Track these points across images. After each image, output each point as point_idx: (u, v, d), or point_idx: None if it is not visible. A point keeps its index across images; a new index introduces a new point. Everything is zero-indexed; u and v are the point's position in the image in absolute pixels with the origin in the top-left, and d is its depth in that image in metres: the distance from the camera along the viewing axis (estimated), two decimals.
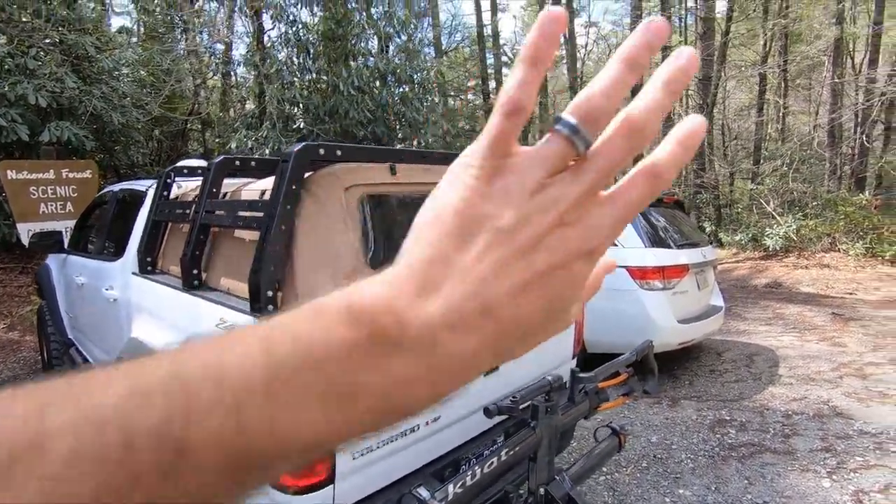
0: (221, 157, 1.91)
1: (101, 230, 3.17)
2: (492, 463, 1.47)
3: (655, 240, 4.02)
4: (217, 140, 10.09)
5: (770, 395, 3.70)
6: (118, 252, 2.68)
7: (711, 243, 8.23)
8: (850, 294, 7.55)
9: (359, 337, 0.23)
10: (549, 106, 23.52)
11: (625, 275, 3.83)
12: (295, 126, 6.80)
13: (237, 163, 1.94)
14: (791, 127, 18.02)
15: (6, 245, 6.50)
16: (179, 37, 8.83)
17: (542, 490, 1.68)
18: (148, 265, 2.29)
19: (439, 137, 7.72)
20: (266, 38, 8.60)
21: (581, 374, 1.87)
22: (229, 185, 2.10)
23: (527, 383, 2.12)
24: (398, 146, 7.56)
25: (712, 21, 14.43)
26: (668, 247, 4.07)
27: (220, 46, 11.26)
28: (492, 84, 22.19)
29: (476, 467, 1.41)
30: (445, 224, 0.25)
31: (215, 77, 12.36)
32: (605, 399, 2.02)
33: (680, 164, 0.26)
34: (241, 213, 1.63)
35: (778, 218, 11.37)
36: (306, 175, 1.51)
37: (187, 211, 1.99)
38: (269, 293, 1.41)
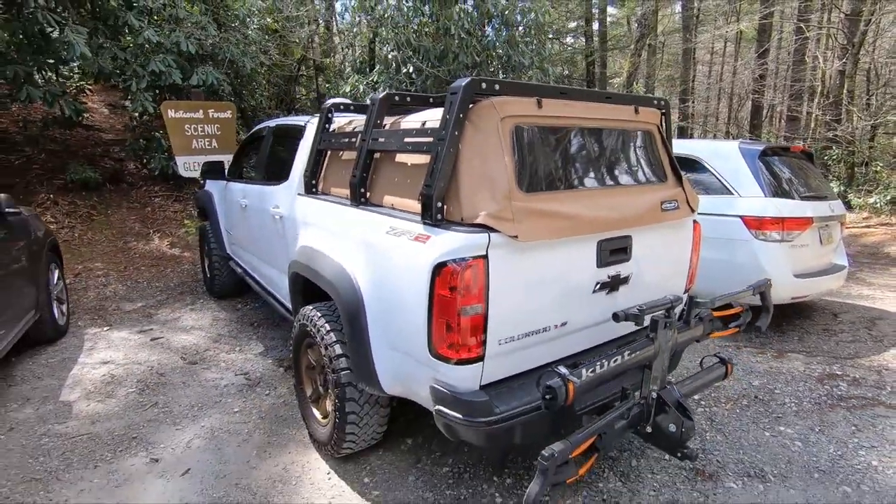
0: (384, 92, 2.21)
1: (261, 160, 3.72)
2: (616, 359, 1.72)
3: (777, 190, 3.85)
4: (327, 85, 10.70)
5: (892, 356, 3.54)
6: (281, 177, 3.17)
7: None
8: None
9: None
10: (656, 49, 21.51)
11: (739, 224, 3.76)
12: (404, 70, 7.07)
13: (397, 98, 2.24)
14: None
15: (165, 176, 7.63)
16: None
17: (654, 394, 1.91)
18: (312, 187, 2.73)
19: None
20: None
21: (698, 300, 2.02)
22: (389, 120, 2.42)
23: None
24: None
25: None
26: (791, 198, 3.88)
27: None
28: (595, 25, 20.74)
29: (604, 360, 1.66)
30: None
31: (321, 23, 12.90)
32: (719, 327, 2.16)
33: None
34: (409, 140, 1.94)
35: None
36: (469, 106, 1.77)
37: (351, 140, 2.35)
38: (440, 204, 1.72)
